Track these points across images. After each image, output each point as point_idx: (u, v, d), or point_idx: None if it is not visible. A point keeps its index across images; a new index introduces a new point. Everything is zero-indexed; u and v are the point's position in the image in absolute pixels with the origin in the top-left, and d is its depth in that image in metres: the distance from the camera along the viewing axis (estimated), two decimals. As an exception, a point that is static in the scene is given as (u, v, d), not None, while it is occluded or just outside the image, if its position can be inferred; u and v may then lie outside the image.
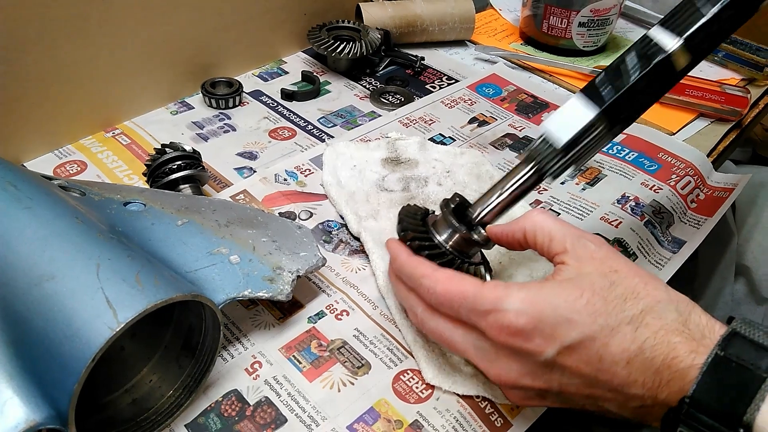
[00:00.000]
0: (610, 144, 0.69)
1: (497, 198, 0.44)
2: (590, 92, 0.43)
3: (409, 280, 0.41)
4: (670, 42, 0.41)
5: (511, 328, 0.35)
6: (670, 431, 0.33)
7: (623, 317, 0.34)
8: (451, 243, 0.44)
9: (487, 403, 0.43)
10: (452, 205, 0.45)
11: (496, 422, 0.42)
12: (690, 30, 0.41)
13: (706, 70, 0.83)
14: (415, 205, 0.48)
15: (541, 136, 0.43)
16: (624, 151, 0.68)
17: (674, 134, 0.72)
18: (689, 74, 0.77)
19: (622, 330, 0.34)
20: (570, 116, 0.42)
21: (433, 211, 0.48)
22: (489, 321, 0.36)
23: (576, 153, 0.42)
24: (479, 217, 0.44)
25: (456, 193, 0.46)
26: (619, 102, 0.41)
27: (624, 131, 0.70)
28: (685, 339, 0.33)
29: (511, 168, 0.64)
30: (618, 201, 0.61)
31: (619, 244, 0.56)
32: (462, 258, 0.44)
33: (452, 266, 0.43)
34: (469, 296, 0.37)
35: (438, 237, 0.44)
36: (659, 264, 0.55)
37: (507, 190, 0.44)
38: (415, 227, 0.45)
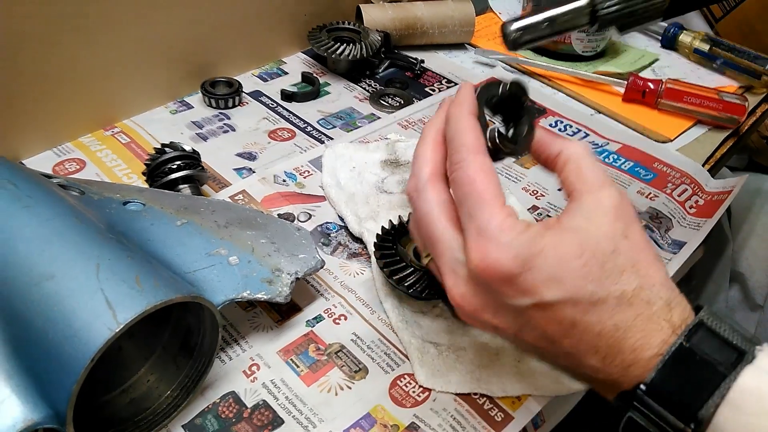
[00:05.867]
0: (605, 153, 0.69)
1: (542, 16, 0.42)
2: None
3: (452, 136, 0.37)
4: None
5: (495, 265, 0.32)
6: (619, 413, 0.32)
7: (613, 290, 0.32)
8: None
9: (485, 399, 0.43)
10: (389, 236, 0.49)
11: (496, 417, 0.42)
12: None
13: (705, 77, 0.84)
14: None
15: None
16: (620, 160, 0.68)
17: (672, 141, 0.72)
18: (687, 81, 0.78)
19: (608, 303, 0.32)
20: None
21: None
22: (478, 242, 0.33)
23: (632, 3, 0.41)
24: (514, 30, 0.41)
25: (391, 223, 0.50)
26: None
27: (620, 141, 0.71)
28: (661, 328, 0.32)
29: (507, 173, 0.64)
30: (615, 207, 0.61)
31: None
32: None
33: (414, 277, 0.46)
34: (483, 198, 0.33)
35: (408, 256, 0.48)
36: (657, 268, 0.56)
37: (555, 12, 0.42)
38: (382, 241, 0.49)
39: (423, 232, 0.37)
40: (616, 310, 0.32)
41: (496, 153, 0.38)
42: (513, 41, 0.41)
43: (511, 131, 0.39)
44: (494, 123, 0.38)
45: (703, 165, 0.69)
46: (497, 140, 0.37)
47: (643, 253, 0.33)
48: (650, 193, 0.63)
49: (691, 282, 0.91)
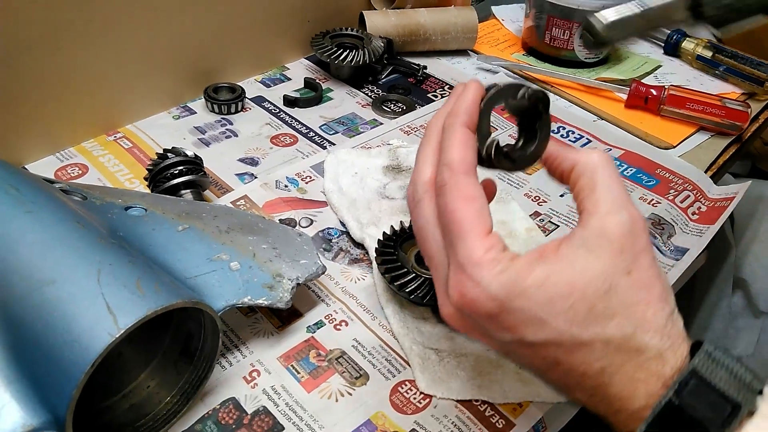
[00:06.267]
0: (611, 156, 0.69)
1: (635, 7, 0.36)
2: None
3: (442, 148, 0.34)
4: None
5: (472, 305, 0.31)
6: None
7: (600, 334, 0.30)
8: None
9: (486, 405, 0.43)
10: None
11: (497, 424, 0.42)
12: None
13: (707, 84, 0.83)
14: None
15: None
16: (622, 166, 0.68)
17: (674, 147, 0.72)
18: (690, 88, 0.78)
19: (593, 346, 0.30)
20: None
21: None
22: (456, 277, 0.31)
23: None
24: (606, 26, 0.36)
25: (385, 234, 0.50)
26: None
27: (622, 147, 0.71)
28: (648, 379, 0.30)
29: (509, 179, 0.64)
30: (617, 214, 0.61)
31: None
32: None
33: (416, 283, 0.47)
34: (462, 230, 0.31)
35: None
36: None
37: (651, 4, 0.36)
38: (384, 246, 0.49)
39: (420, 243, 0.35)
40: (602, 353, 0.30)
41: (492, 163, 0.35)
42: (601, 39, 0.36)
43: (519, 143, 0.36)
44: (498, 129, 0.36)
45: (706, 171, 0.69)
46: (492, 155, 0.35)
47: (645, 293, 0.31)
48: (653, 200, 0.63)
49: (693, 289, 0.90)
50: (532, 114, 0.35)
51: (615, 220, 0.31)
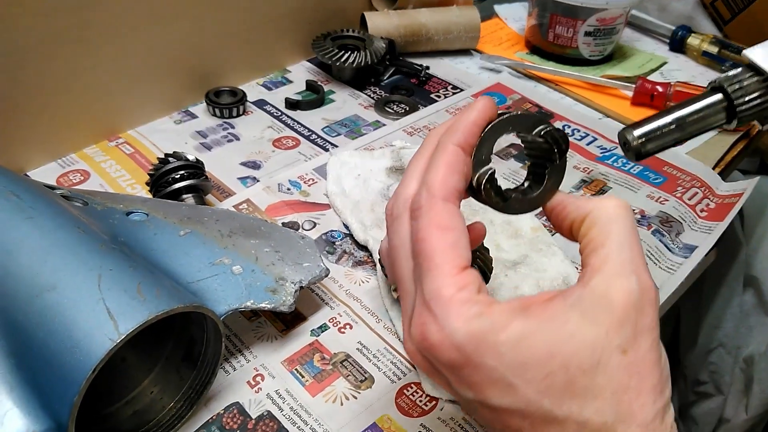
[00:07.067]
0: (614, 157, 0.68)
1: (668, 118, 0.36)
2: None
3: (428, 167, 0.31)
4: None
5: (433, 350, 0.27)
6: None
7: (576, 414, 0.26)
8: None
9: (492, 412, 0.43)
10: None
11: (502, 429, 0.42)
12: None
13: (713, 80, 0.83)
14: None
15: (742, 66, 0.37)
16: (629, 164, 0.67)
17: (681, 144, 0.71)
18: (696, 84, 0.77)
19: (565, 426, 0.26)
20: None
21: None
22: (421, 315, 0.28)
23: None
24: (637, 137, 0.35)
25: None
26: None
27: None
28: None
29: (515, 179, 0.64)
30: (624, 212, 0.60)
31: (626, 256, 0.55)
32: None
33: None
34: (432, 263, 0.28)
35: None
36: (671, 270, 0.55)
37: (684, 112, 0.36)
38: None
39: (391, 263, 0.32)
40: None
41: (481, 196, 0.31)
42: (636, 150, 0.35)
43: (524, 184, 0.33)
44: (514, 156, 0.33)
45: (714, 168, 0.68)
46: (482, 188, 0.31)
47: (637, 379, 0.26)
48: (660, 197, 0.63)
49: (704, 287, 0.89)
50: (545, 156, 0.32)
51: (622, 286, 0.27)
